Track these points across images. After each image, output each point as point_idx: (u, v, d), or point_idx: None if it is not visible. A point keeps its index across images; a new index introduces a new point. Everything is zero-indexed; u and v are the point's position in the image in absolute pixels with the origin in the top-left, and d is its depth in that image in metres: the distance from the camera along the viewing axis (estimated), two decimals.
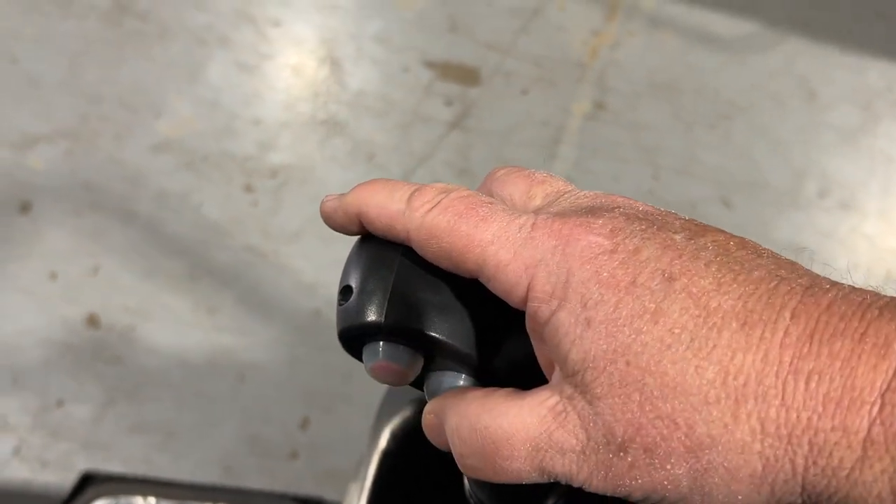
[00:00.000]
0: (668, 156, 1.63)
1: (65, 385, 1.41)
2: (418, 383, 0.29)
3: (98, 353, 1.44)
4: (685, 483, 0.22)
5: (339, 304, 0.29)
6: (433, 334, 0.27)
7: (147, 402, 1.39)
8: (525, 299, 0.26)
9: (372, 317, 0.27)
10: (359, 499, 0.51)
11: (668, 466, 0.23)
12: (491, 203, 0.28)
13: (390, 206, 0.29)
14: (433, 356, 0.28)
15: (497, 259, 0.26)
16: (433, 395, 0.29)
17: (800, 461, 0.21)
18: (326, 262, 1.53)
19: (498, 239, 0.26)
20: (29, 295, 1.48)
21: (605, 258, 0.25)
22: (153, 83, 1.72)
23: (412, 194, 0.29)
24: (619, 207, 0.27)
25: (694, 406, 0.22)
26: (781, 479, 0.22)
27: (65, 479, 1.32)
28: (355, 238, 0.33)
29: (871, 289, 0.24)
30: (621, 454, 0.23)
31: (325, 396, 1.40)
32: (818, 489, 0.21)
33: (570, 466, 0.24)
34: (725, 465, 0.22)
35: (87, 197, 1.59)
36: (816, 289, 0.24)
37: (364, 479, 0.50)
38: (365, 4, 1.80)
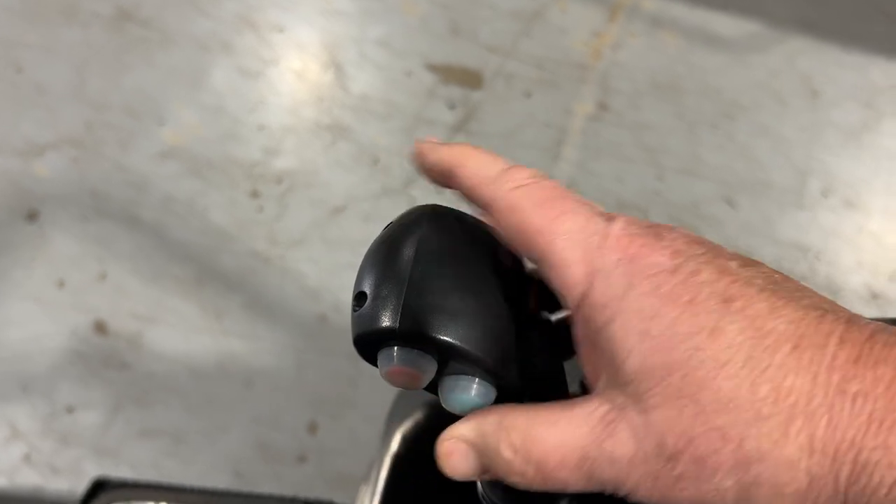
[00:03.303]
0: (671, 156, 1.63)
1: (73, 391, 1.42)
2: (432, 387, 0.30)
3: (106, 360, 1.45)
4: (731, 496, 0.23)
5: (354, 310, 0.29)
6: (447, 339, 0.27)
7: (156, 408, 1.40)
8: (580, 303, 0.27)
9: (386, 322, 0.28)
10: (370, 502, 0.52)
11: (717, 479, 0.23)
12: (578, 201, 0.29)
13: (485, 172, 0.31)
14: (447, 360, 0.28)
15: (563, 255, 0.28)
16: (447, 398, 0.29)
17: (843, 479, 0.22)
18: (332, 266, 1.54)
19: (571, 236, 0.28)
20: (36, 302, 1.49)
21: (666, 276, 0.26)
22: (157, 90, 1.73)
23: (509, 168, 0.31)
24: (681, 233, 0.28)
25: (746, 421, 0.23)
26: (825, 495, 0.22)
27: (75, 486, 1.33)
28: (366, 244, 0.34)
29: None
30: (671, 464, 0.24)
31: (333, 401, 1.40)
32: None
33: (619, 475, 0.25)
34: (773, 480, 0.22)
35: (94, 204, 1.60)
36: (858, 320, 0.25)
37: (375, 482, 0.51)
38: (367, 9, 1.81)
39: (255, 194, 1.64)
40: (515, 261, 0.30)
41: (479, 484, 0.37)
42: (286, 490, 1.32)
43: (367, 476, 0.61)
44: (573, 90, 1.73)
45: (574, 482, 0.26)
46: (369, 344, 0.29)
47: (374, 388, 1.40)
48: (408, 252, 0.29)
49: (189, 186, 1.64)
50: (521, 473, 0.27)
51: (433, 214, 0.31)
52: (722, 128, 1.66)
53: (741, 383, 0.23)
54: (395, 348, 0.28)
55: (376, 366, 0.29)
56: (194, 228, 1.59)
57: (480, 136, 1.66)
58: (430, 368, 0.28)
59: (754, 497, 0.23)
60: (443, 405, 0.29)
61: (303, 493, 1.33)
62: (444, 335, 0.27)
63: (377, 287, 0.28)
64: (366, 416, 1.39)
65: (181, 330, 1.48)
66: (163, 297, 1.51)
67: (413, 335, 0.27)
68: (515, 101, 1.71)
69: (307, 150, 1.68)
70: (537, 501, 0.35)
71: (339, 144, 1.68)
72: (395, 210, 1.65)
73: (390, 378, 0.29)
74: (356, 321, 0.29)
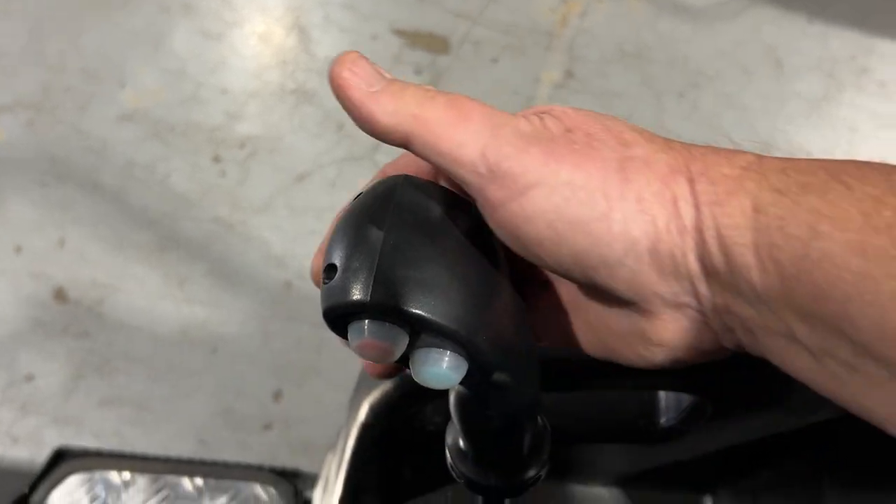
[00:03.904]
0: (637, 124, 1.63)
1: (33, 359, 1.40)
2: (403, 360, 0.29)
3: (66, 327, 1.42)
4: (613, 166, 0.27)
5: (324, 283, 0.29)
6: (418, 311, 0.27)
7: (118, 376, 1.38)
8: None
9: (357, 295, 0.27)
10: (338, 471, 0.51)
11: (603, 151, 0.28)
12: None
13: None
14: (419, 333, 0.28)
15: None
16: (418, 371, 0.29)
17: (694, 169, 0.27)
18: (297, 233, 1.53)
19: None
20: None
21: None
22: (116, 52, 1.69)
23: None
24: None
25: (627, 126, 0.29)
26: (682, 183, 0.27)
27: (36, 455, 1.32)
28: (332, 211, 0.33)
29: None
30: (569, 134, 0.28)
31: (298, 368, 1.40)
32: (705, 200, 0.26)
33: (517, 151, 0.28)
34: (645, 157, 0.27)
35: (52, 168, 1.56)
36: None
37: (343, 451, 0.51)
38: None
39: (217, 159, 1.61)
40: (490, 232, 0.30)
41: (448, 455, 0.37)
42: (251, 458, 1.32)
43: (334, 445, 0.61)
44: (540, 57, 1.72)
45: (473, 163, 0.28)
46: (339, 317, 0.29)
47: (340, 355, 1.40)
48: (378, 223, 0.28)
49: (150, 151, 1.61)
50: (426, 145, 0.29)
51: (406, 184, 0.30)
52: (688, 97, 1.67)
53: (623, 127, 0.29)
54: (366, 321, 0.28)
55: (347, 339, 0.29)
56: (156, 194, 1.56)
57: None
58: (401, 341, 0.28)
59: (630, 168, 0.27)
60: (414, 378, 0.29)
61: (268, 461, 1.33)
62: (415, 308, 0.27)
63: (347, 259, 0.28)
64: (331, 384, 1.39)
65: (143, 297, 1.46)
66: (124, 263, 1.48)
67: (384, 308, 0.27)
68: (482, 67, 1.70)
69: (271, 114, 1.66)
70: (506, 472, 0.36)
71: (303, 109, 1.66)
72: (360, 176, 1.64)
73: (361, 351, 0.29)
74: (325, 294, 0.29)
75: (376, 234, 0.28)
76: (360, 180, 1.65)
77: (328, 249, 0.29)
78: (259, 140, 1.63)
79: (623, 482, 0.52)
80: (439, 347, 0.28)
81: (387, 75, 0.31)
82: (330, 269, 0.29)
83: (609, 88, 1.67)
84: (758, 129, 1.64)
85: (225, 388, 1.38)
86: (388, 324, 0.28)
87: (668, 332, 0.29)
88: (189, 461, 0.80)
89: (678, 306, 0.28)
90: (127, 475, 0.79)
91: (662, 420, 0.44)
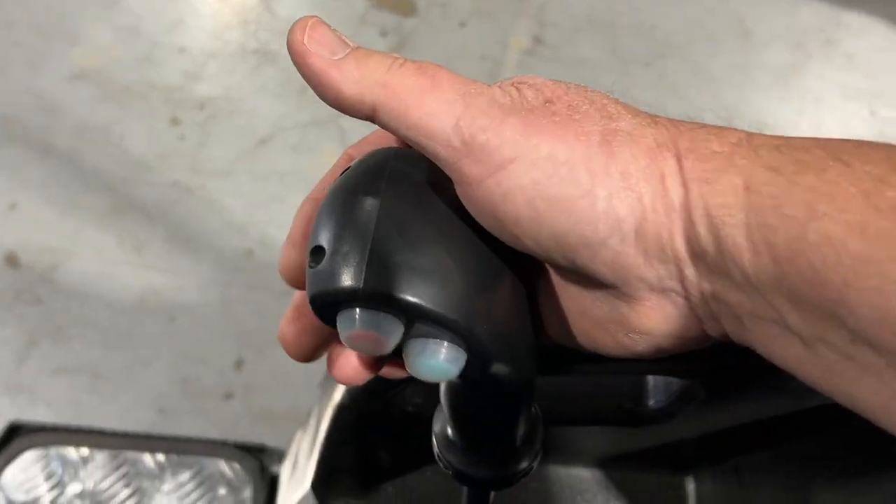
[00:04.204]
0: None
1: None
2: (396, 350, 0.27)
3: (18, 294, 1.38)
4: (596, 140, 0.25)
5: (310, 267, 0.26)
6: (415, 300, 0.25)
7: (72, 343, 1.34)
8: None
9: (348, 282, 0.25)
10: (310, 453, 0.50)
11: (586, 123, 0.26)
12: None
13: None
14: (413, 322, 0.26)
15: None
16: (413, 363, 0.27)
17: (682, 145, 0.25)
18: (258, 198, 1.49)
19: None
20: None
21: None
22: (67, 8, 1.62)
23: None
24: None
25: (610, 100, 0.27)
26: (669, 159, 0.25)
27: None
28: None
29: None
30: (549, 105, 0.26)
31: (259, 337, 1.37)
32: (692, 176, 0.25)
33: (493, 122, 0.26)
34: (630, 131, 0.26)
35: (1, 129, 1.50)
36: None
37: (316, 432, 0.49)
38: None
39: (175, 121, 1.56)
40: None
41: (434, 443, 0.35)
42: (211, 428, 1.29)
43: (305, 424, 0.59)
44: (509, 23, 1.69)
45: (447, 136, 0.26)
46: (328, 305, 0.26)
47: None
48: (370, 202, 0.26)
49: (104, 112, 1.55)
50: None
51: (397, 158, 0.28)
52: (655, 66, 1.65)
53: (606, 100, 0.27)
54: (358, 310, 0.26)
55: (335, 327, 0.27)
56: (111, 156, 1.51)
57: None
58: (396, 332, 0.26)
59: (614, 141, 0.25)
60: (407, 370, 0.27)
61: (229, 431, 1.30)
62: (412, 296, 0.25)
63: (336, 241, 0.26)
64: None
65: (98, 263, 1.41)
66: (78, 228, 1.44)
67: (378, 296, 0.25)
68: (450, 31, 1.67)
69: (231, 75, 1.61)
70: (499, 462, 0.34)
71: (265, 70, 1.61)
72: (324, 141, 1.60)
73: (352, 343, 0.27)
74: (313, 279, 0.26)
75: (367, 214, 0.26)
76: (326, 146, 1.61)
77: (314, 230, 0.27)
78: (219, 102, 1.58)
79: (604, 462, 0.51)
80: (435, 338, 0.26)
81: (350, 42, 0.28)
82: (317, 252, 0.26)
83: (577, 56, 1.65)
84: (724, 98, 1.63)
85: (184, 356, 1.35)
86: (381, 313, 0.26)
87: (650, 320, 0.27)
88: (150, 436, 0.78)
89: (662, 291, 0.26)
90: (84, 451, 0.77)
91: (651, 402, 0.43)
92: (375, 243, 0.25)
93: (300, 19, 0.28)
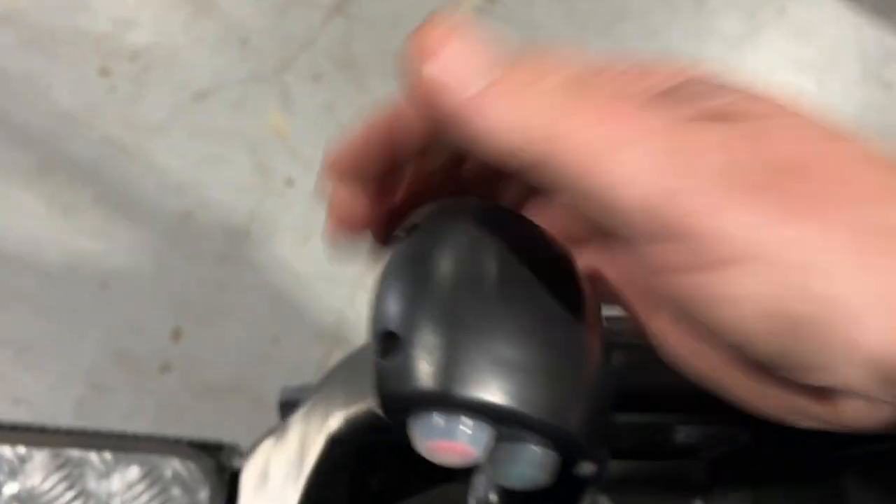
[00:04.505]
0: None
1: None
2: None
3: None
4: (848, 237, 0.18)
5: (381, 358, 0.21)
6: (512, 406, 0.20)
7: None
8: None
9: (430, 384, 0.20)
10: (292, 479, 0.45)
11: (832, 207, 0.18)
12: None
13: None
14: (500, 425, 0.22)
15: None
16: (501, 471, 0.22)
17: None
18: (196, 158, 1.41)
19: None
20: None
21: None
22: None
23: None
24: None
25: (850, 146, 0.20)
26: None
27: None
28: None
29: None
30: (778, 166, 0.19)
31: (198, 306, 1.30)
32: None
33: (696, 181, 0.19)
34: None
35: None
36: None
37: (301, 459, 0.44)
38: None
39: (105, 72, 1.46)
40: (573, 272, 0.23)
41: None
42: (149, 402, 1.23)
43: (281, 435, 0.54)
44: None
45: (638, 214, 0.19)
46: (402, 407, 0.22)
47: (245, 292, 1.31)
48: (449, 276, 0.21)
49: (27, 59, 1.44)
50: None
51: (477, 215, 0.23)
52: (612, 31, 1.61)
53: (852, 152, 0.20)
54: (440, 416, 0.21)
55: (403, 429, 0.22)
56: (35, 109, 1.40)
57: (361, 21, 1.54)
58: (486, 442, 0.21)
59: (879, 243, 0.18)
60: (493, 477, 0.23)
61: (167, 405, 1.24)
62: (507, 401, 0.20)
63: (416, 329, 0.21)
64: (235, 322, 1.30)
65: (23, 226, 1.32)
66: (1, 188, 1.33)
67: (465, 401, 0.21)
68: None
69: (166, 24, 1.50)
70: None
71: (202, 21, 1.51)
72: (266, 99, 1.52)
73: (433, 453, 0.22)
74: (385, 374, 0.21)
75: (447, 294, 0.21)
76: (270, 103, 1.53)
77: (380, 305, 0.22)
78: (153, 52, 1.48)
79: (611, 487, 0.48)
80: (523, 441, 0.22)
81: (497, 54, 0.20)
82: (388, 339, 0.21)
83: (533, 19, 1.60)
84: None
85: (118, 327, 1.27)
86: (469, 420, 0.21)
87: (837, 416, 0.21)
88: (96, 433, 0.72)
89: (870, 400, 0.20)
90: (22, 450, 0.70)
91: (680, 437, 0.40)
92: (459, 333, 0.20)
93: (423, 30, 0.20)
